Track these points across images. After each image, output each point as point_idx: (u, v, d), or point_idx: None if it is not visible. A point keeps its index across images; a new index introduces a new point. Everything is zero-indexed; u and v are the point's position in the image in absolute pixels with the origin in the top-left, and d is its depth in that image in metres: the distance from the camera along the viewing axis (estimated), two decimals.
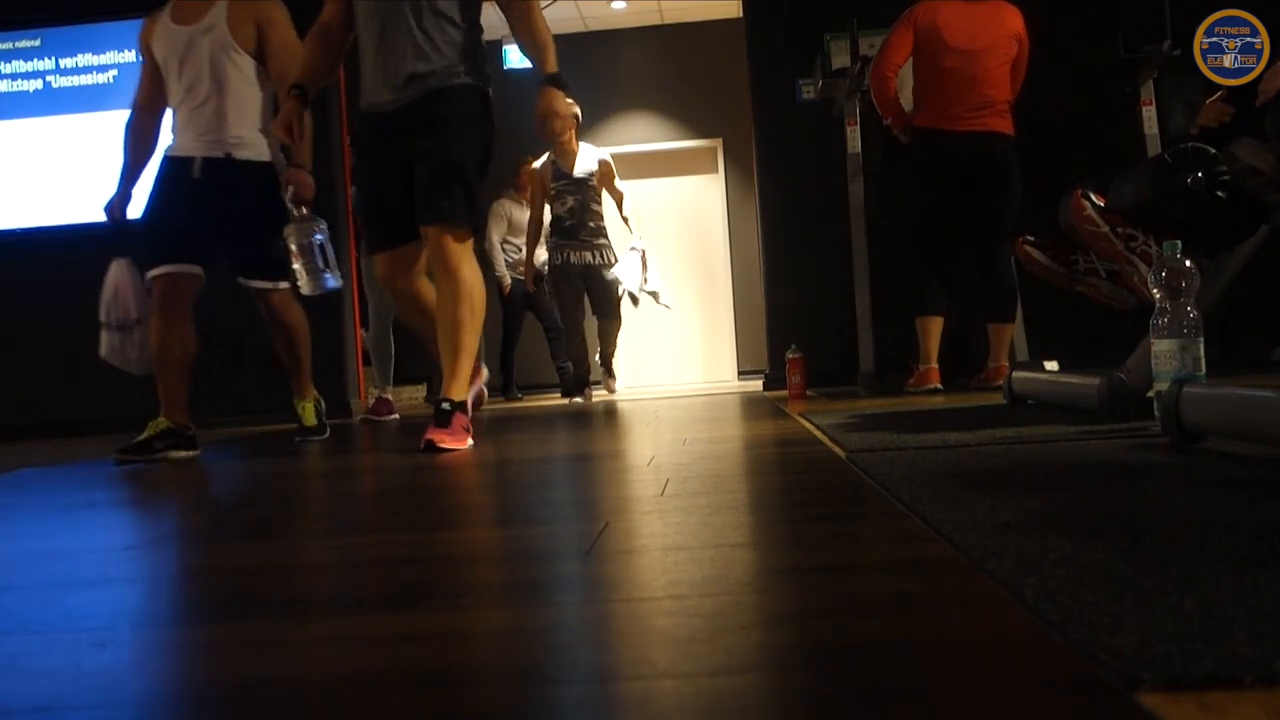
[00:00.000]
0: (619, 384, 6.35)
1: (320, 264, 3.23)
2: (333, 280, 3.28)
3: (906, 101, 4.17)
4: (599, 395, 6.15)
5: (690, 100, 8.33)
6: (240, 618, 0.89)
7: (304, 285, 3.26)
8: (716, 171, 8.51)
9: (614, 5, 7.97)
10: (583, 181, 5.35)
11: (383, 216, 2.85)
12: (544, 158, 5.48)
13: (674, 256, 8.49)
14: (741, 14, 5.68)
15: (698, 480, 1.59)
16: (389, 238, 2.85)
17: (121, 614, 0.92)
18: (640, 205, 5.85)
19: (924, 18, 4.00)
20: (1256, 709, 0.50)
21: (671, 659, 0.66)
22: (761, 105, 5.40)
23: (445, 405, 2.63)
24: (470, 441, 2.65)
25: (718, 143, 8.42)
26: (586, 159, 5.39)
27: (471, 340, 2.70)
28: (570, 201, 5.36)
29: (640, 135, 8.39)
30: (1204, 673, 0.54)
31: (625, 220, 5.48)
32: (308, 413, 3.57)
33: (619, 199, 5.47)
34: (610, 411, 4.22)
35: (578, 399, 5.54)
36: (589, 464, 2.01)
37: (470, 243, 2.71)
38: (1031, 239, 2.55)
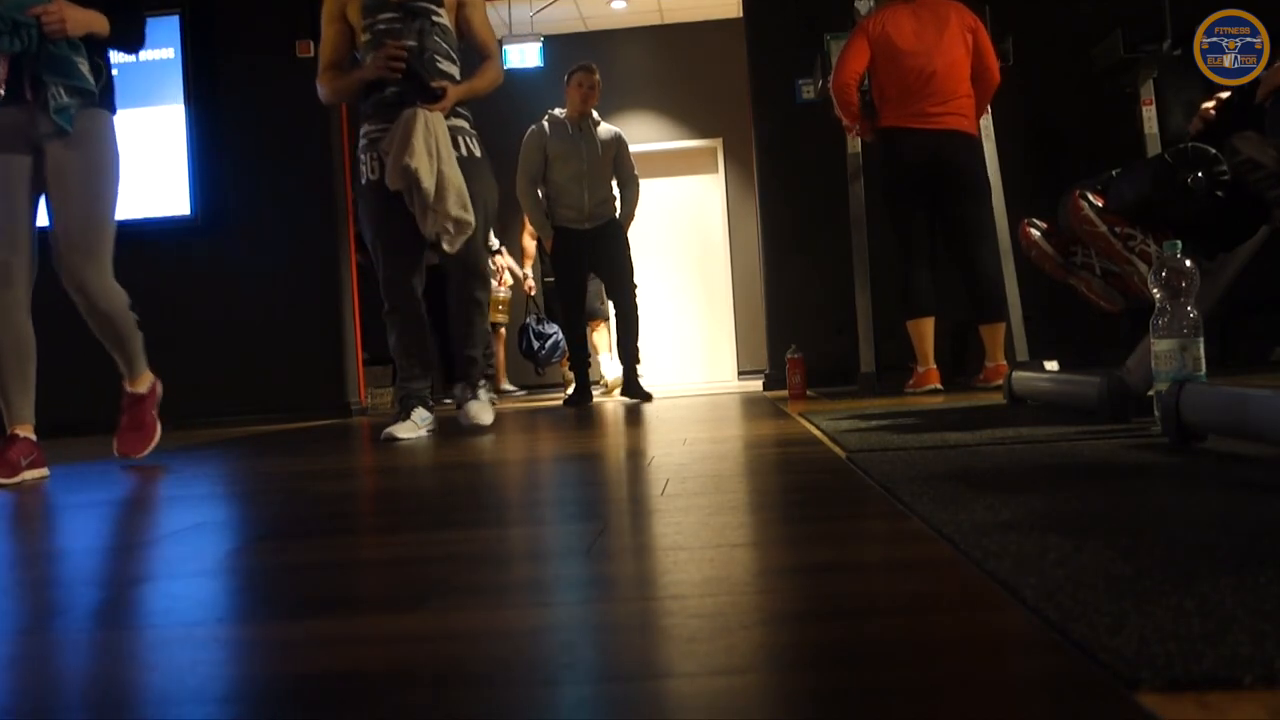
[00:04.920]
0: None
1: None
2: None
3: None
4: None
5: (690, 100, 8.33)
6: (239, 618, 0.89)
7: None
8: (716, 171, 8.51)
9: (614, 5, 7.97)
10: (424, 15, 3.04)
11: None
12: None
13: (674, 256, 8.49)
14: (741, 14, 5.68)
15: (698, 480, 1.59)
16: None
17: (121, 613, 0.92)
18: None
19: (875, 26, 4.08)
20: (1256, 709, 0.50)
21: (672, 659, 0.66)
22: (761, 105, 5.40)
23: None
24: None
25: (718, 143, 8.42)
26: None
27: None
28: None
29: (640, 135, 8.39)
30: (1204, 673, 0.54)
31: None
32: None
33: (489, 67, 3.18)
34: (610, 411, 4.22)
35: (405, 426, 3.04)
36: (589, 464, 2.01)
37: None
38: (1038, 222, 2.54)
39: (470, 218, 2.99)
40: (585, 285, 5.21)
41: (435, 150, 2.94)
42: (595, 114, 5.12)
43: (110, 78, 2.62)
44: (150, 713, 0.62)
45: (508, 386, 7.14)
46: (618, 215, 5.08)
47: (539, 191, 5.01)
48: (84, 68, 2.48)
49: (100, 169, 2.59)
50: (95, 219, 2.57)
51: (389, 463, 2.35)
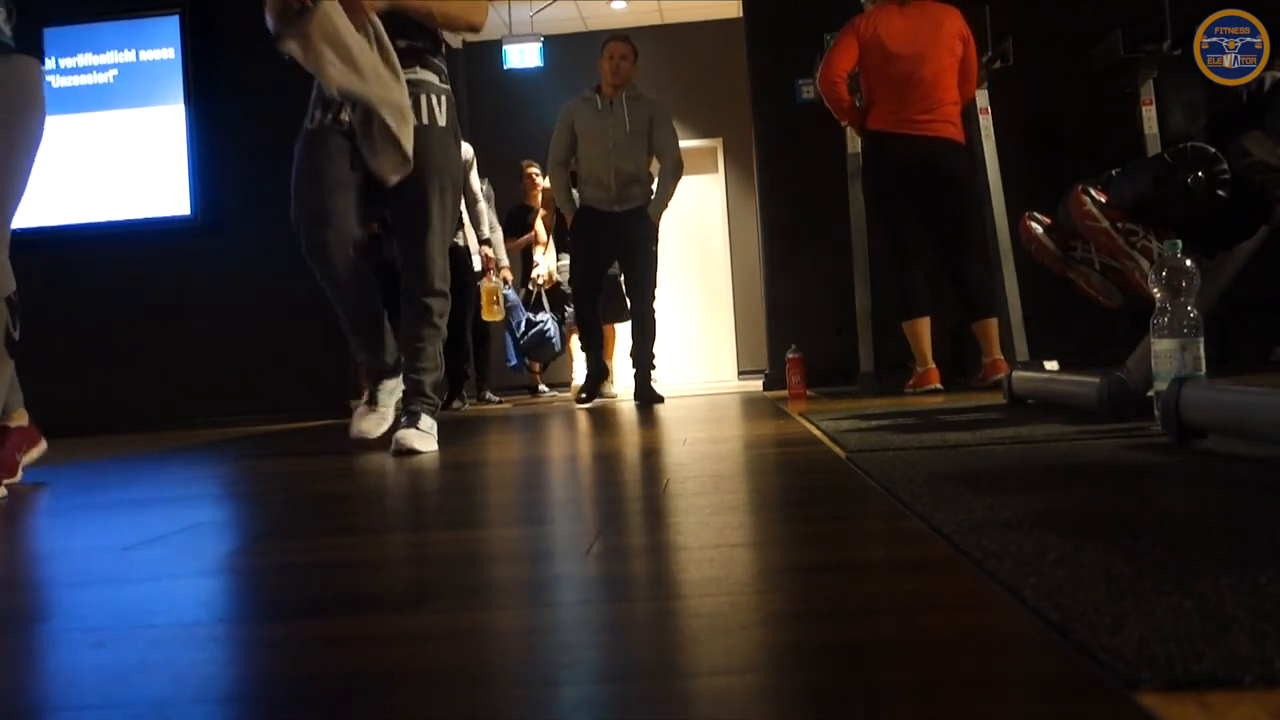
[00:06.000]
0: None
1: None
2: None
3: None
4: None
5: (690, 100, 8.33)
6: (239, 618, 0.89)
7: None
8: (716, 171, 8.51)
9: (614, 5, 7.97)
10: None
11: None
12: None
13: (674, 256, 8.49)
14: (741, 14, 5.68)
15: (698, 480, 1.59)
16: None
17: (121, 613, 0.92)
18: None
19: (865, 27, 4.06)
20: (1256, 709, 0.50)
21: (672, 659, 0.66)
22: (761, 105, 5.40)
23: None
24: None
25: (718, 143, 8.42)
26: None
27: None
28: None
29: None
30: (1204, 673, 0.54)
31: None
32: None
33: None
34: (610, 412, 4.22)
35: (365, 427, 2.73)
36: (588, 464, 2.01)
37: None
38: (1039, 217, 2.55)
39: (410, 158, 2.40)
40: (604, 269, 4.92)
41: (350, 56, 2.35)
42: (636, 87, 4.77)
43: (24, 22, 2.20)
44: (150, 713, 0.62)
45: (542, 388, 7.09)
46: (651, 202, 4.68)
47: (571, 171, 4.78)
48: (0, 15, 2.09)
49: (11, 111, 2.12)
50: None
51: (388, 463, 2.35)
